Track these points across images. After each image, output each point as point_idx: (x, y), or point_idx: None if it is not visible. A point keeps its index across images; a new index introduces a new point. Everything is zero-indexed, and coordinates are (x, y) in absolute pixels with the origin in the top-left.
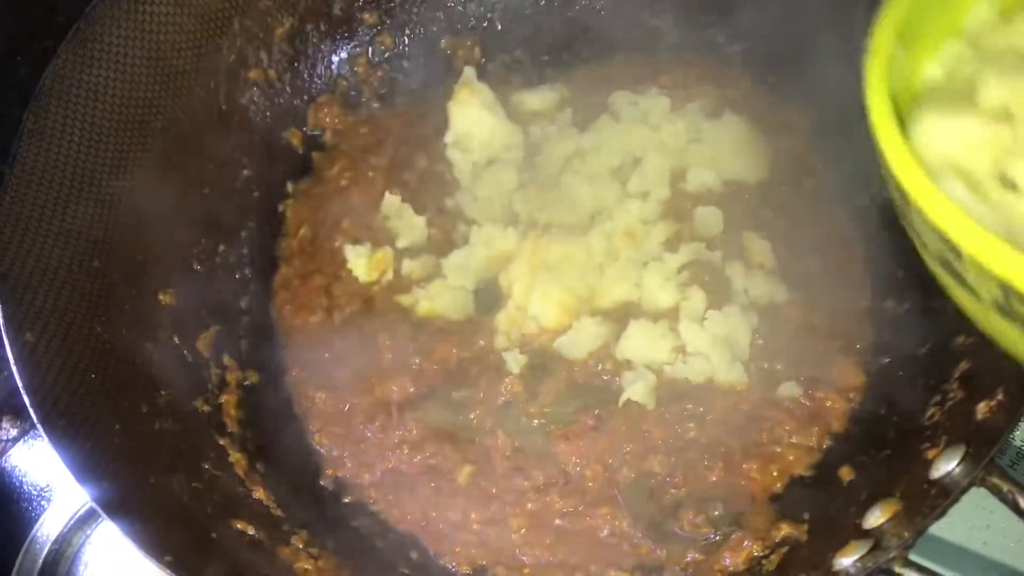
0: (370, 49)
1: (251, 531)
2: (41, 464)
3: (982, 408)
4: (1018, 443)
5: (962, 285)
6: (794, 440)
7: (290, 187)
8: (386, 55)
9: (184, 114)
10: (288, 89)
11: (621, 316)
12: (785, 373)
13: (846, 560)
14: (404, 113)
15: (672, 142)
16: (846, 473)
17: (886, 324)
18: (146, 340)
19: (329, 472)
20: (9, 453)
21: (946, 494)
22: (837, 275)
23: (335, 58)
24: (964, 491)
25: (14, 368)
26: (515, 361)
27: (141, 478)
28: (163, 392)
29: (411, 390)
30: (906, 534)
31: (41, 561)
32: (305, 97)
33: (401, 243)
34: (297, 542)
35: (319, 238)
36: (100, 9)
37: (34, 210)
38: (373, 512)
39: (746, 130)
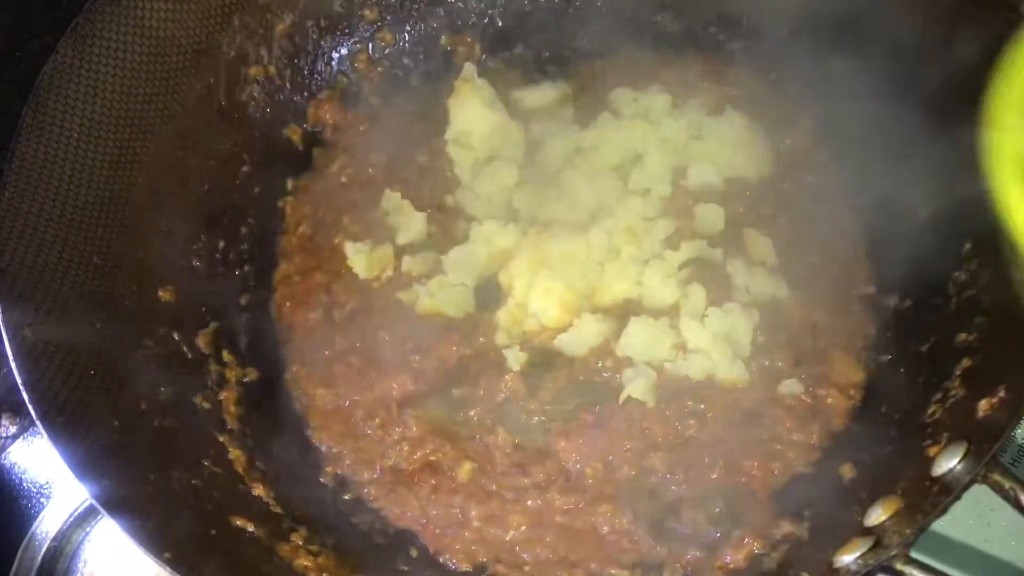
0: (370, 45)
1: (251, 528)
2: (40, 461)
3: (984, 405)
4: (1020, 440)
5: None
6: (795, 437)
7: (290, 184)
8: (386, 51)
9: (184, 110)
10: (288, 85)
11: (622, 313)
12: (786, 370)
13: (847, 558)
14: (404, 110)
15: (673, 139)
16: (847, 470)
17: (887, 321)
18: (145, 337)
19: (329, 469)
20: (8, 450)
21: (948, 491)
22: (838, 272)
23: (335, 54)
24: (966, 488)
25: (13, 364)
26: (515, 358)
27: (140, 475)
28: (162, 389)
29: (411, 387)
30: (908, 531)
31: (40, 558)
32: (305, 93)
33: (401, 240)
34: (297, 539)
35: (319, 235)
36: (100, 5)
37: (33, 206)
38: (373, 509)
39: (747, 127)
